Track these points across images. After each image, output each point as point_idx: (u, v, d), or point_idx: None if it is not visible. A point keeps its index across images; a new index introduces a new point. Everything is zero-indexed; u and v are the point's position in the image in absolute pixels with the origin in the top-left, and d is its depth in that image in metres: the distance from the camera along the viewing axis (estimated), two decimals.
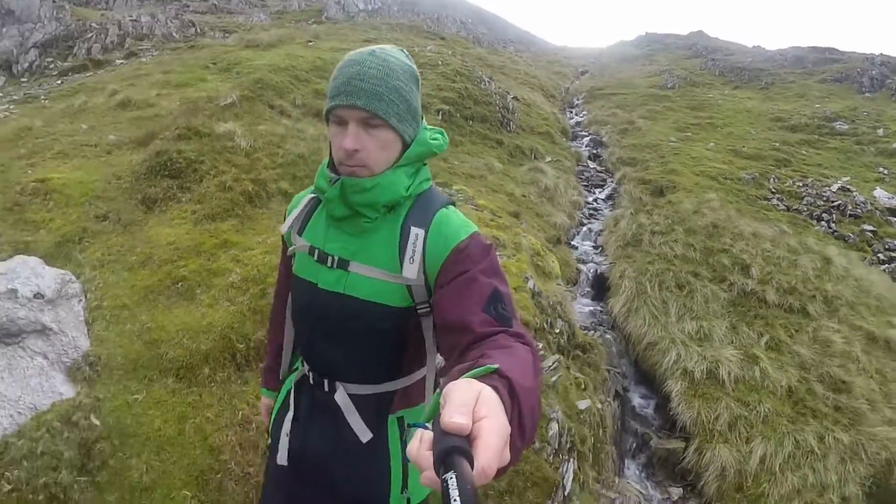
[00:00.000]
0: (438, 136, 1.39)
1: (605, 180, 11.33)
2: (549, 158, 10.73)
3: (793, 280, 6.78)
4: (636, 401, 5.37)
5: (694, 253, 7.32)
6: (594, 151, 13.05)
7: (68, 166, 5.62)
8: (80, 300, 3.53)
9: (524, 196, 8.40)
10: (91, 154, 6.08)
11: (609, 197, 10.48)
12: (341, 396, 1.36)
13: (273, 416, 1.56)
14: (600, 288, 7.08)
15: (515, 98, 13.03)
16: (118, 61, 12.09)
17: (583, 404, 4.09)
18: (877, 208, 9.78)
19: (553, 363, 4.28)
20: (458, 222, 1.28)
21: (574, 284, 6.83)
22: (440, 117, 9.89)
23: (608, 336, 5.90)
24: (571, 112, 17.39)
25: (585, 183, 11.05)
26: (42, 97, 9.16)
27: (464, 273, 1.18)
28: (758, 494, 4.30)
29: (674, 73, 20.90)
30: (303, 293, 1.39)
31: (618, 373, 5.41)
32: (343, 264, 1.29)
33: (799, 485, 4.34)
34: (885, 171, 11.77)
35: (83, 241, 4.46)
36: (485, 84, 12.06)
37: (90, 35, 13.48)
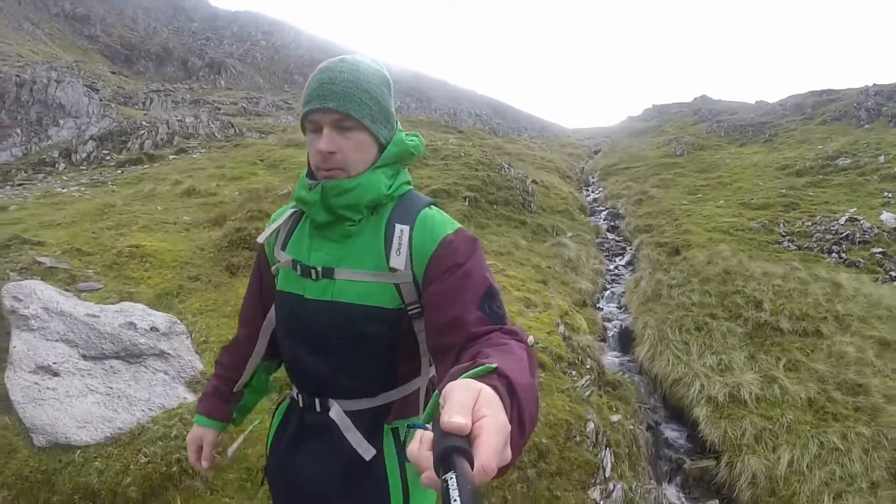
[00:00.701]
0: (415, 137, 1.40)
1: (624, 248, 12.02)
2: (569, 234, 11.51)
3: (804, 307, 7.30)
4: (668, 433, 5.84)
5: (709, 298, 7.92)
6: (612, 223, 13.85)
7: (154, 238, 6.60)
8: (188, 336, 4.32)
9: (549, 267, 9.18)
10: (172, 230, 7.15)
11: (629, 262, 11.10)
12: (336, 413, 1.32)
13: (269, 444, 1.52)
14: (626, 342, 7.65)
15: (534, 181, 14.05)
16: (171, 156, 13.61)
17: (615, 417, 4.79)
18: (884, 230, 10.20)
19: (585, 382, 5.01)
20: (443, 219, 1.30)
21: (602, 340, 7.53)
22: (467, 203, 10.79)
23: (636, 378, 6.53)
24: (588, 189, 18.39)
25: (606, 252, 11.76)
26: (109, 183, 10.48)
27: (454, 268, 1.18)
28: (790, 495, 4.67)
29: (682, 141, 21.83)
30: (288, 306, 1.36)
31: (648, 408, 6.00)
32: (328, 273, 1.28)
33: (827, 479, 4.72)
34: (890, 195, 12.20)
35: (181, 294, 5.30)
36: (505, 170, 13.10)
37: (142, 132, 15.17)
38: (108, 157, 13.89)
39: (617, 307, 9.02)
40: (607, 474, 3.98)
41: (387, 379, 1.33)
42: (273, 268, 1.40)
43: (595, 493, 3.79)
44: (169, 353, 3.94)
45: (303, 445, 1.39)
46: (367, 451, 1.30)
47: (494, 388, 0.71)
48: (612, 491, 3.85)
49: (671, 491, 5.09)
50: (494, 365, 0.80)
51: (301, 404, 1.39)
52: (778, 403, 5.68)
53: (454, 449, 0.63)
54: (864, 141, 16.29)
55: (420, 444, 0.64)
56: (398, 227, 1.26)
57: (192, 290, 5.47)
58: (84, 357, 3.63)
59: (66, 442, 3.08)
